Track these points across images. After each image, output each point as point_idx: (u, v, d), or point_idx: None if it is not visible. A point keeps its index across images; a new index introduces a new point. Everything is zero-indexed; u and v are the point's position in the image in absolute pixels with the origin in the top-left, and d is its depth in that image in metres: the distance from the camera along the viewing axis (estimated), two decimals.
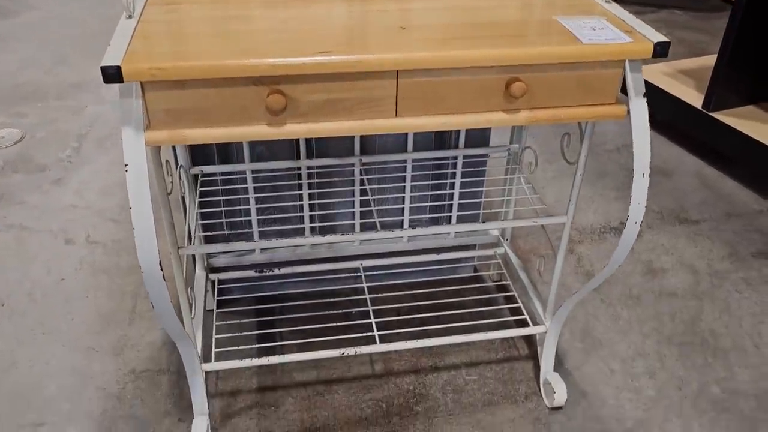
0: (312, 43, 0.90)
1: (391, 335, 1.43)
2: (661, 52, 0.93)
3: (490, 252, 1.66)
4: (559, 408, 1.39)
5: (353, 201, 1.53)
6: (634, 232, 1.07)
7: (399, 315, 1.56)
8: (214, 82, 0.88)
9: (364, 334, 1.46)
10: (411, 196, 1.54)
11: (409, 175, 1.51)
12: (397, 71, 0.91)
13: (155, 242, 0.92)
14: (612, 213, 1.99)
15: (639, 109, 0.99)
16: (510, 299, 1.64)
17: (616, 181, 2.15)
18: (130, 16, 0.97)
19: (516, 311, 1.55)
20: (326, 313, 1.58)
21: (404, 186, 1.53)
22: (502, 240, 1.66)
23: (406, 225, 1.58)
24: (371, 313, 1.43)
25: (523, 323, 1.45)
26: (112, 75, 0.83)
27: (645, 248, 1.86)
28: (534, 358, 1.50)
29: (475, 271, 1.74)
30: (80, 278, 1.71)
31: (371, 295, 1.49)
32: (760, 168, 2.09)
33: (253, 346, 1.51)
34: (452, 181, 1.54)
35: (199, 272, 1.52)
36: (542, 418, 1.37)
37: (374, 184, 1.53)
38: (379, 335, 1.35)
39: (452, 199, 1.56)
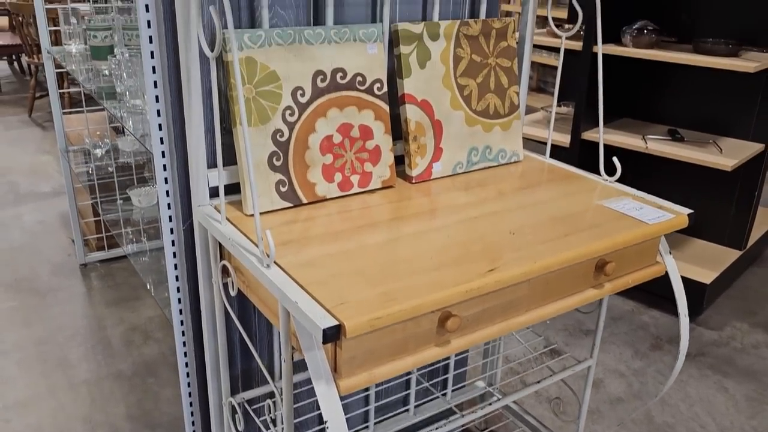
0: (464, 263, 0.98)
1: None
2: (691, 221, 1.20)
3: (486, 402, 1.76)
4: None
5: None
6: (686, 345, 1.29)
7: None
8: (405, 319, 0.90)
9: None
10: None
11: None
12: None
13: None
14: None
15: (671, 263, 1.24)
16: None
17: None
18: (268, 266, 0.95)
19: None
20: None
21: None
22: (491, 389, 1.78)
23: (412, 400, 1.62)
24: None
25: None
26: (332, 335, 0.82)
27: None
28: None
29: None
30: None
31: None
32: None
33: None
34: None
35: None
36: None
37: None
38: None
39: (447, 367, 1.66)
